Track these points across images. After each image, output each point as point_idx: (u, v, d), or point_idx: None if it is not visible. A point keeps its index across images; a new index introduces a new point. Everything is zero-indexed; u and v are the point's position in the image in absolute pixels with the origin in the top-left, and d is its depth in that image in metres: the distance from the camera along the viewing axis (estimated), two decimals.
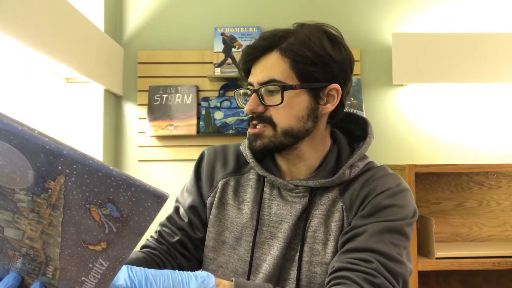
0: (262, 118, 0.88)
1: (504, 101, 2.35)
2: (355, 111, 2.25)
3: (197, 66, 2.33)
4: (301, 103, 0.88)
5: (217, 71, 2.27)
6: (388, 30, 2.35)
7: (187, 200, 1.01)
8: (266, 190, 0.95)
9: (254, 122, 0.89)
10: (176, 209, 1.02)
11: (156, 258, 0.95)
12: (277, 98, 0.87)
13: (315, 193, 0.91)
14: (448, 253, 1.94)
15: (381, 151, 2.31)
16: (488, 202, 2.27)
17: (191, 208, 1.00)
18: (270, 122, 0.88)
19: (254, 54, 0.89)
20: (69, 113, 2.04)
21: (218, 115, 2.27)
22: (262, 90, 0.87)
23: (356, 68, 2.32)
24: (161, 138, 2.29)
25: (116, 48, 2.25)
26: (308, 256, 0.88)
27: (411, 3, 2.37)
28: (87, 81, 1.99)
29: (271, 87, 0.87)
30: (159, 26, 2.36)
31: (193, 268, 0.99)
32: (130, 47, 2.35)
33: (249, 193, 0.96)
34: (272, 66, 0.87)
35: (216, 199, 0.98)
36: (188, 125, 2.25)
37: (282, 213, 0.91)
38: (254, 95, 0.88)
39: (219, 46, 2.29)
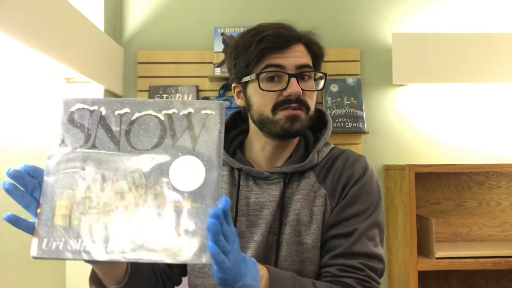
0: (301, 101, 0.93)
1: (504, 101, 2.35)
2: (355, 111, 2.25)
3: (197, 66, 2.33)
4: (316, 92, 0.97)
5: (217, 71, 2.27)
6: (388, 30, 2.35)
7: None
8: (242, 182, 0.99)
9: (294, 104, 0.92)
10: None
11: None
12: (311, 84, 0.95)
13: (290, 179, 0.97)
14: (448, 253, 1.94)
15: (381, 151, 2.31)
16: (488, 202, 2.27)
17: None
18: (306, 106, 0.94)
19: (286, 41, 0.93)
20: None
21: None
22: (303, 74, 0.93)
23: (356, 68, 2.33)
24: None
25: (116, 48, 2.25)
26: (292, 237, 0.94)
27: (411, 3, 2.37)
28: (87, 81, 1.99)
29: (308, 72, 0.94)
30: (159, 26, 2.36)
31: (178, 267, 1.04)
32: (130, 47, 2.35)
33: (224, 189, 1.00)
34: (304, 55, 0.95)
35: None
36: None
37: (262, 200, 0.96)
38: (295, 78, 0.92)
39: (219, 46, 2.29)
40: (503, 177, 2.27)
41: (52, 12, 1.60)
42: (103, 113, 0.69)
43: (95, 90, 2.07)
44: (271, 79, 0.93)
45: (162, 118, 0.69)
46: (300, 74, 0.93)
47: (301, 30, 0.97)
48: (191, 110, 0.69)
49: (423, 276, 2.12)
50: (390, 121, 2.34)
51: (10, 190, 0.66)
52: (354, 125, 2.23)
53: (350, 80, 2.29)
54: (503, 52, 2.22)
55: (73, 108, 0.70)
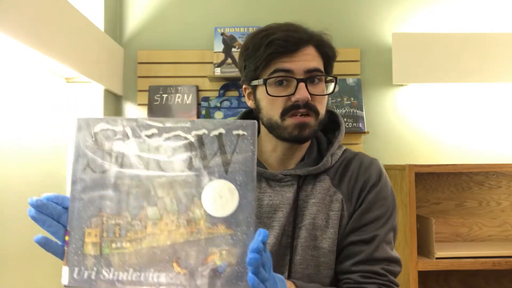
0: (309, 106, 0.91)
1: (504, 101, 2.35)
2: (355, 111, 2.25)
3: (197, 66, 2.33)
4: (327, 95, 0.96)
5: (217, 71, 2.27)
6: (388, 30, 2.35)
7: None
8: None
9: (302, 110, 0.91)
10: None
11: None
12: (321, 88, 0.93)
13: (303, 182, 0.96)
14: (448, 253, 1.94)
15: (381, 151, 2.31)
16: (488, 202, 2.27)
17: None
18: (315, 111, 0.92)
19: (295, 45, 0.90)
20: (69, 113, 2.04)
21: (218, 115, 2.27)
22: (313, 79, 0.91)
23: (356, 68, 2.33)
24: None
25: (116, 48, 2.25)
26: (307, 241, 0.93)
27: (411, 3, 2.37)
28: (87, 81, 1.99)
29: (319, 76, 0.92)
30: (159, 26, 2.36)
31: None
32: (130, 47, 2.35)
33: None
34: (314, 58, 0.92)
35: None
36: None
37: (275, 203, 0.95)
38: (303, 83, 0.90)
39: (219, 46, 2.29)
40: (503, 177, 2.27)
41: (52, 12, 1.60)
42: (129, 134, 0.66)
43: (95, 90, 2.07)
44: (279, 83, 0.91)
45: (192, 139, 0.65)
46: (309, 78, 0.91)
47: (312, 31, 0.95)
48: (222, 130, 0.65)
49: (423, 276, 2.12)
50: (390, 121, 2.34)
51: (36, 218, 0.64)
52: (354, 125, 2.23)
53: (350, 80, 2.29)
54: (503, 52, 2.22)
55: (96, 129, 0.66)
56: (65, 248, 0.64)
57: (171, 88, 2.30)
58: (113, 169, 0.65)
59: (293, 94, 0.90)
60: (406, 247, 1.93)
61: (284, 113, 0.91)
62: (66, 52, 1.68)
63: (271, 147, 0.98)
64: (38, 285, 1.75)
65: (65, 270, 0.64)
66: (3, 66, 1.55)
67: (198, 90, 2.32)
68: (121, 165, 0.65)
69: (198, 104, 2.30)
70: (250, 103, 1.00)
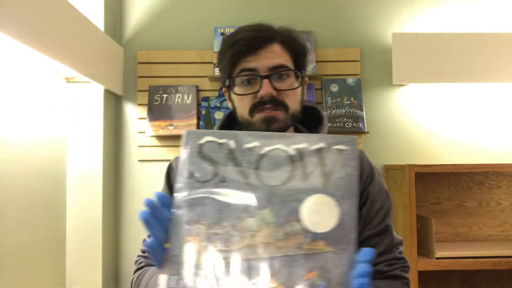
0: (276, 101, 0.93)
1: (504, 101, 2.35)
2: (355, 111, 2.25)
3: (197, 66, 2.33)
4: (299, 89, 0.98)
5: (217, 71, 2.27)
6: (388, 30, 2.35)
7: None
8: None
9: (268, 105, 0.93)
10: None
11: None
12: (288, 83, 0.94)
13: None
14: (448, 253, 1.94)
15: (381, 151, 2.31)
16: (488, 202, 2.27)
17: None
18: (283, 105, 0.94)
19: (258, 43, 0.93)
20: (69, 113, 2.04)
21: (218, 115, 2.27)
22: (277, 75, 0.93)
23: (356, 68, 2.33)
24: (161, 138, 2.29)
25: (116, 48, 2.25)
26: None
27: (411, 3, 2.37)
28: (87, 81, 1.99)
29: (284, 71, 0.94)
30: (159, 26, 2.36)
31: None
32: (130, 47, 2.35)
33: None
34: (278, 55, 0.94)
35: None
36: (188, 125, 2.25)
37: None
38: (267, 80, 0.92)
39: (219, 46, 2.28)
40: (503, 177, 2.27)
41: (52, 12, 1.60)
42: (232, 147, 0.68)
43: (95, 90, 2.07)
44: (248, 82, 0.95)
45: (292, 153, 0.66)
46: (273, 75, 0.93)
47: (279, 28, 0.97)
48: (322, 145, 0.66)
49: (423, 276, 2.12)
50: (390, 121, 2.34)
51: (147, 220, 0.65)
52: (354, 125, 2.23)
53: (350, 80, 2.29)
54: (503, 52, 2.22)
55: (202, 141, 0.69)
56: (165, 255, 0.64)
57: (171, 88, 2.30)
58: (215, 179, 0.67)
59: (258, 91, 0.93)
60: (406, 247, 1.93)
61: (252, 110, 0.94)
62: (66, 52, 1.68)
63: None
64: (38, 285, 1.75)
65: (163, 278, 0.64)
66: (3, 66, 1.55)
67: (198, 90, 2.32)
68: (223, 176, 0.67)
69: (198, 104, 2.30)
70: (229, 105, 1.03)
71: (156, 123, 2.25)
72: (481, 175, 2.27)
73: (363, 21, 2.37)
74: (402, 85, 2.33)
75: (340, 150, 0.66)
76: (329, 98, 2.27)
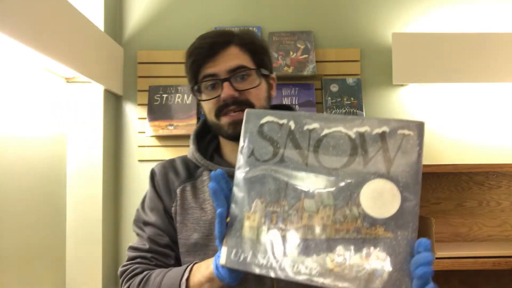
0: (240, 102, 0.94)
1: (504, 101, 2.35)
2: (355, 111, 2.25)
3: None
4: (264, 86, 0.99)
5: None
6: (388, 30, 2.35)
7: (152, 218, 1.01)
8: None
9: (232, 107, 0.94)
10: (152, 232, 1.01)
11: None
12: (249, 83, 0.96)
13: None
14: (448, 253, 1.94)
15: None
16: (488, 202, 2.27)
17: (164, 223, 1.00)
18: (248, 104, 0.95)
19: (214, 49, 0.96)
20: (69, 113, 2.04)
21: None
22: (237, 76, 0.95)
23: (356, 68, 2.33)
24: (161, 138, 2.29)
25: (116, 48, 2.25)
26: None
27: (411, 3, 2.37)
28: (87, 81, 1.99)
29: (243, 72, 0.95)
30: (159, 26, 2.36)
31: None
32: (130, 47, 2.35)
33: (207, 193, 0.99)
34: (236, 56, 0.96)
35: (178, 207, 1.00)
36: (188, 125, 2.25)
37: None
38: (227, 82, 0.94)
39: None
40: (503, 177, 2.27)
41: (52, 12, 1.60)
42: (292, 128, 0.68)
43: (95, 90, 2.07)
44: (212, 87, 0.97)
45: (353, 136, 0.65)
46: (233, 76, 0.95)
47: (236, 32, 1.00)
48: (386, 129, 0.64)
49: None
50: None
51: (214, 189, 0.68)
52: None
53: (350, 80, 2.29)
54: (503, 52, 2.22)
55: (263, 120, 0.69)
56: (226, 229, 0.66)
57: (171, 88, 2.30)
58: (275, 159, 0.67)
59: (221, 94, 0.94)
60: None
61: (218, 113, 0.96)
62: (66, 52, 1.68)
63: (230, 148, 1.02)
64: (38, 285, 1.75)
65: (224, 250, 0.65)
66: (3, 66, 1.55)
67: None
68: (283, 156, 0.67)
69: (198, 104, 2.30)
70: (203, 111, 1.04)
71: (156, 123, 2.25)
72: (481, 175, 2.26)
73: (363, 21, 2.36)
74: (402, 85, 2.33)
75: (404, 135, 0.65)
76: (329, 98, 2.27)
